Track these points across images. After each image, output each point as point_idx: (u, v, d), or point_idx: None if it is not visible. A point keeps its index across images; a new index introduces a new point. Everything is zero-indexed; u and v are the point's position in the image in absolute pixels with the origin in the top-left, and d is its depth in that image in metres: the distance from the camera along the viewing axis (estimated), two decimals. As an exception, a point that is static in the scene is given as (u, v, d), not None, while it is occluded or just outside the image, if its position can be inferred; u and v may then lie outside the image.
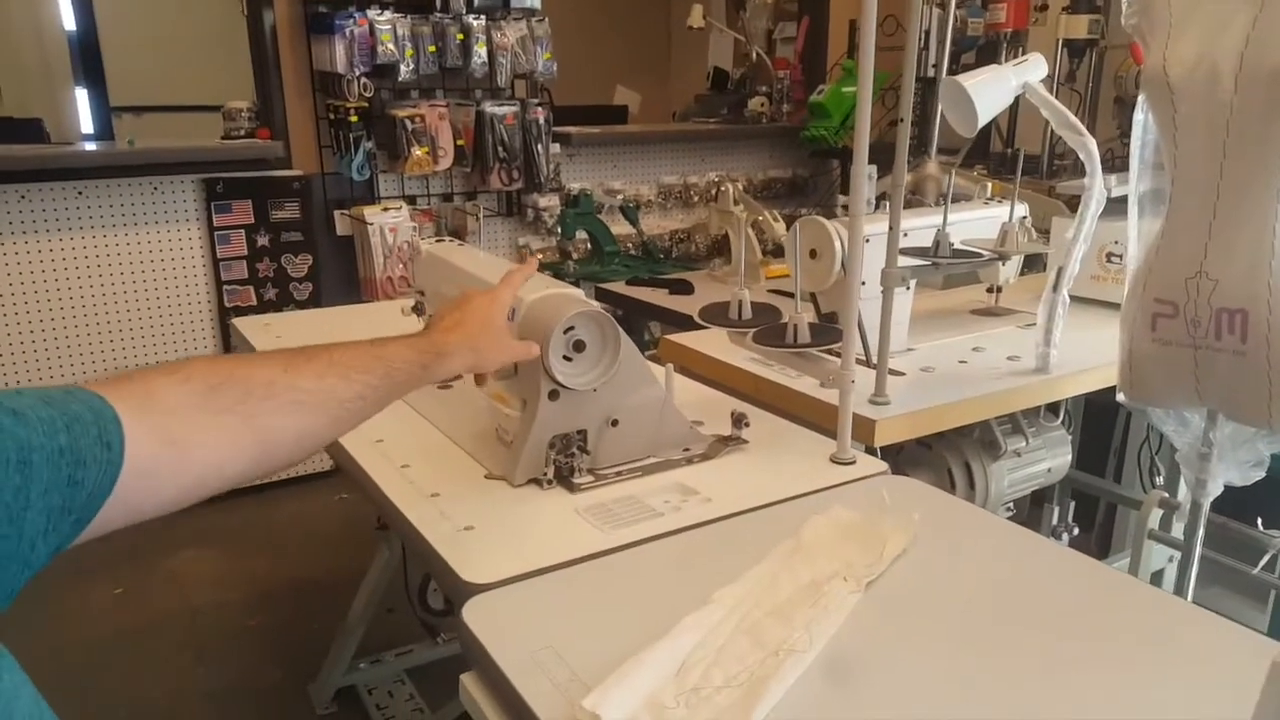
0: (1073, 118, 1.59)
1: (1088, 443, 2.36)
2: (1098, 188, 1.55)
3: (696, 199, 3.88)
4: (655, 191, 3.80)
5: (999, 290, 1.94)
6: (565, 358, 1.14)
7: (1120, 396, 1.40)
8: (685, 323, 2.02)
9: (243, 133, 3.12)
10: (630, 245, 3.50)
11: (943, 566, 1.00)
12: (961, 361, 1.66)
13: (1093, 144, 1.57)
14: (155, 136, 3.64)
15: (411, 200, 3.29)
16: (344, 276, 3.27)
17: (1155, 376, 1.34)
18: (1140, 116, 1.32)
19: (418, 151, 3.07)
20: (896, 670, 0.82)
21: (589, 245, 3.26)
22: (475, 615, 0.90)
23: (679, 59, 5.79)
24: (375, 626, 2.16)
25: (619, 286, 2.53)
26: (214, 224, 3.09)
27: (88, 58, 4.44)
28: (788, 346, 1.27)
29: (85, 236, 2.93)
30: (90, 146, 3.76)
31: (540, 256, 3.36)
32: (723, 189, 2.49)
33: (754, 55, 4.10)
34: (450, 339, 0.95)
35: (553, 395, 1.15)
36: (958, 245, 1.56)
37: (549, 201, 3.36)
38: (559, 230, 3.20)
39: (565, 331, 1.13)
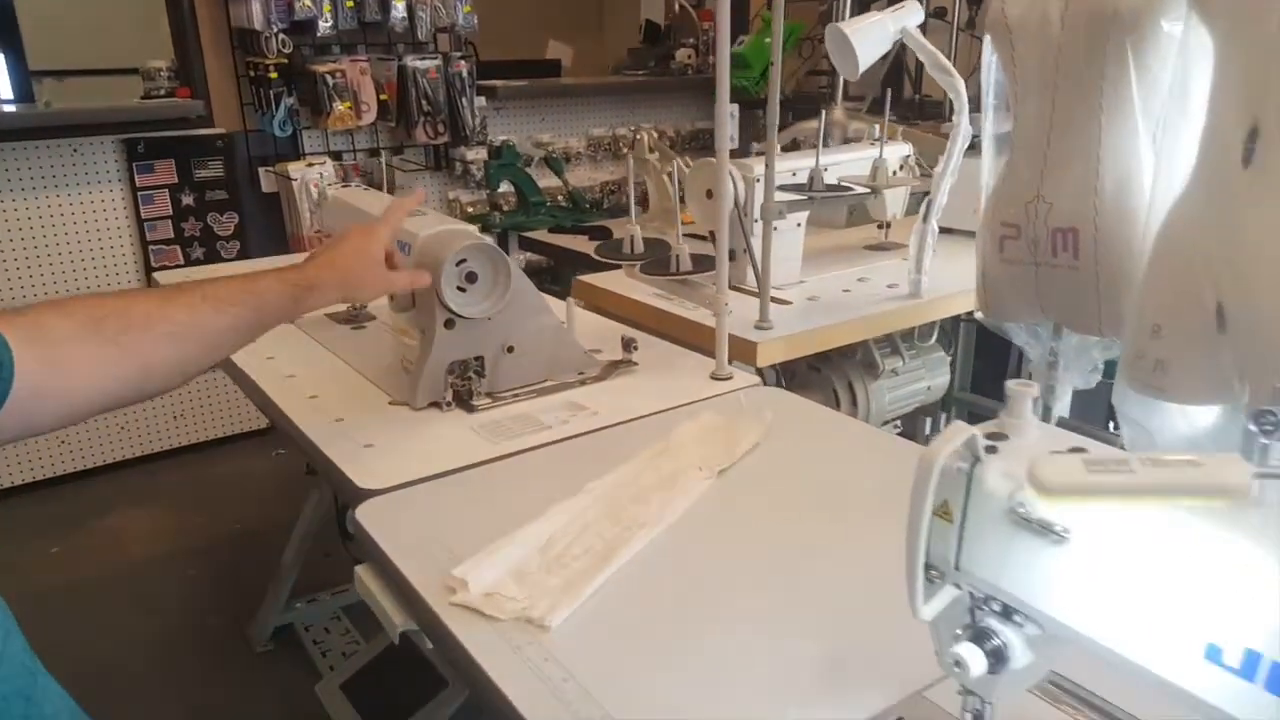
0: (944, 60, 1.70)
1: (983, 368, 2.52)
2: (964, 126, 1.67)
3: (626, 151, 3.95)
4: (584, 144, 3.86)
5: (888, 226, 2.06)
6: (459, 289, 1.23)
7: (978, 315, 1.54)
8: (605, 268, 2.12)
9: (162, 92, 3.12)
10: (561, 198, 3.57)
11: (790, 458, 1.13)
12: (845, 290, 1.79)
13: (960, 84, 1.68)
14: (76, 99, 3.61)
15: (338, 156, 3.32)
16: (272, 234, 3.30)
17: (1005, 294, 1.47)
18: (987, 58, 1.44)
19: (340, 107, 3.10)
20: (726, 538, 0.95)
21: (516, 197, 3.32)
22: (368, 514, 1.00)
23: (613, 13, 5.80)
24: (312, 570, 2.25)
25: (542, 235, 2.61)
26: (136, 184, 3.09)
27: (4, 20, 4.34)
28: (670, 274, 1.38)
29: (5, 200, 2.92)
30: (8, 109, 3.70)
31: (470, 208, 3.41)
32: (638, 138, 2.57)
33: (677, 7, 4.16)
34: (320, 273, 1.02)
35: (449, 324, 1.24)
36: (835, 181, 1.68)
37: (476, 155, 3.41)
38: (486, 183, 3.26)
39: (458, 264, 1.22)
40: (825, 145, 2.63)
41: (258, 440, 3.40)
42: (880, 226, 2.08)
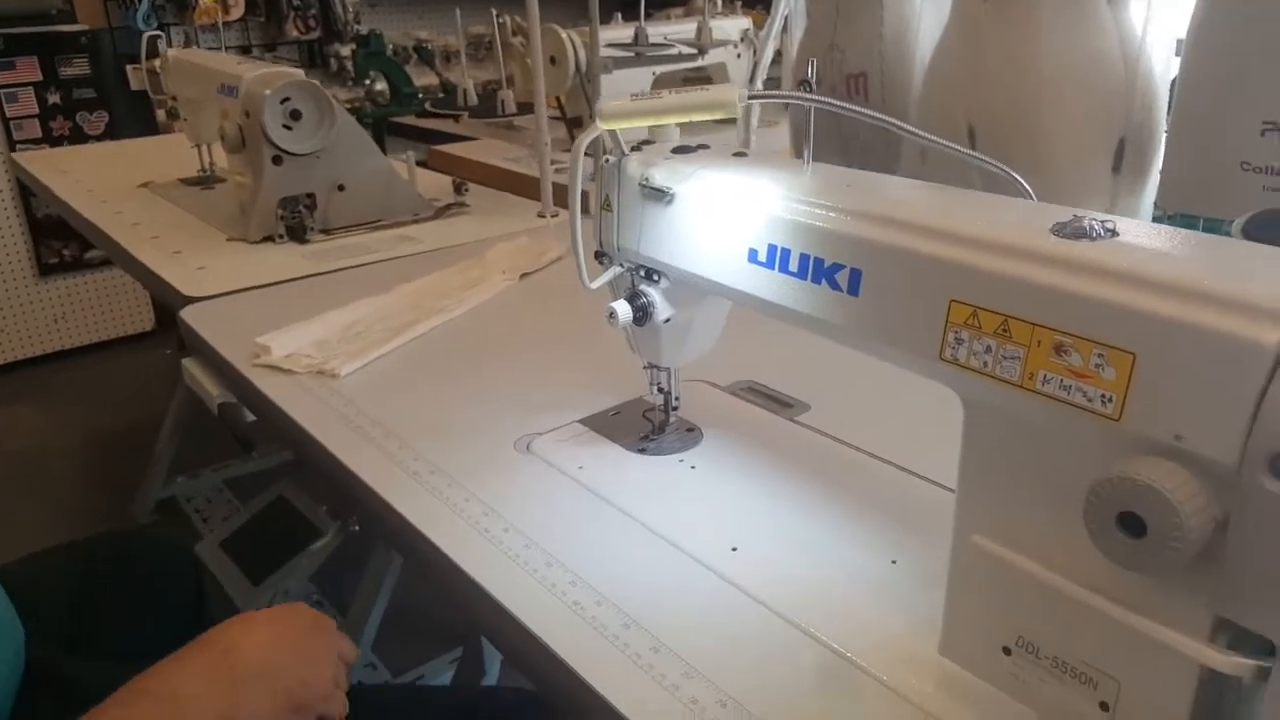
0: (767, -72, 1.81)
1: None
2: (784, -10, 1.78)
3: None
4: (465, 41, 3.86)
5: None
6: (285, 126, 1.31)
7: (791, 162, 1.68)
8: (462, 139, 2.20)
9: (17, -16, 3.02)
10: (441, 93, 3.59)
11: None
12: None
13: (781, -50, 1.79)
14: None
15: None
16: (144, 133, 3.26)
17: (813, 141, 1.61)
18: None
19: (205, 0, 3.06)
20: (508, 321, 1.07)
21: (390, 92, 3.33)
22: (193, 314, 1.10)
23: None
24: (195, 453, 2.32)
25: (410, 120, 2.66)
26: (-3, 81, 3.01)
27: None
28: (494, 118, 1.47)
29: None
30: None
31: (346, 105, 3.41)
32: (500, 21, 2.62)
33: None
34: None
35: (276, 160, 1.32)
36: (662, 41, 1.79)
37: (350, 50, 3.40)
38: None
39: (282, 102, 1.30)
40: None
41: (146, 340, 3.40)
42: (725, 99, 2.19)
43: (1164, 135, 1.28)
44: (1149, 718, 0.43)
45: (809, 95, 0.54)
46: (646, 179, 0.62)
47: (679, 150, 0.63)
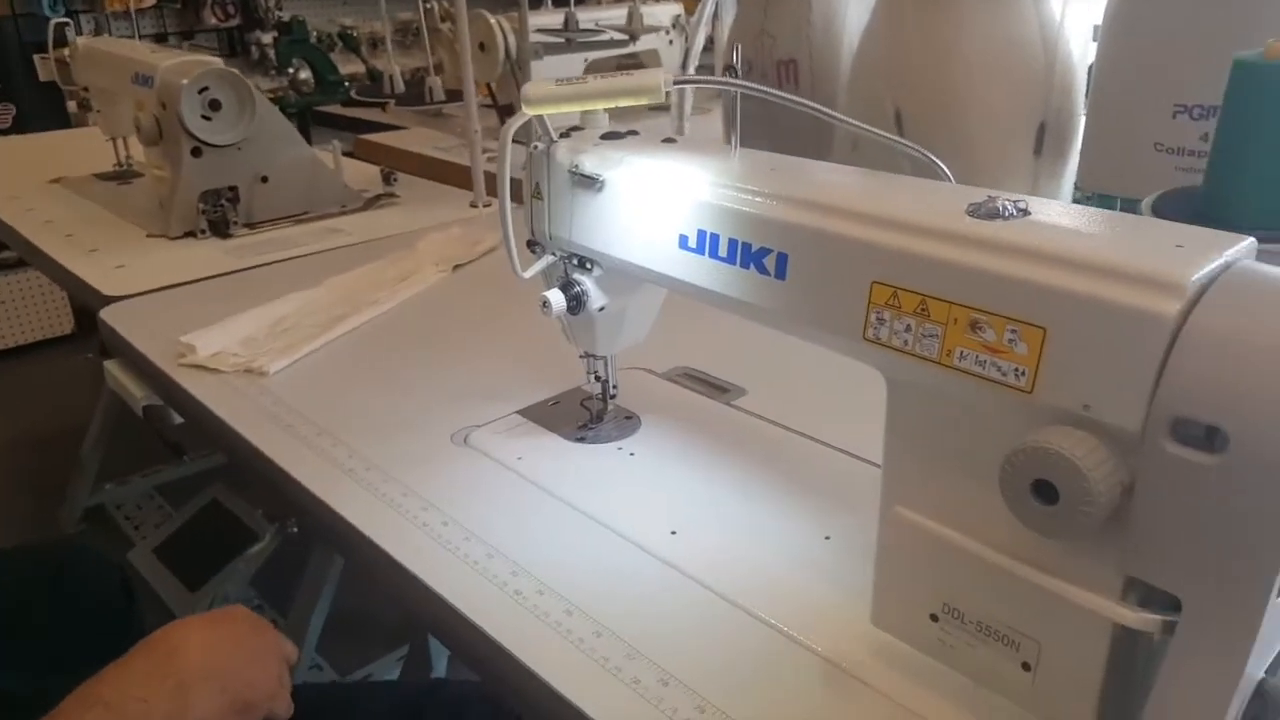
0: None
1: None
2: (711, -26, 1.79)
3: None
4: (391, 28, 3.79)
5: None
6: (204, 117, 1.28)
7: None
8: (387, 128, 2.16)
9: (-91, -29, 2.88)
10: (367, 81, 3.52)
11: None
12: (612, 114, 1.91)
13: (708, -64, 1.80)
14: None
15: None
16: (55, 126, 3.13)
17: (745, 128, 1.63)
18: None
19: (116, -14, 2.95)
20: (441, 314, 1.07)
21: (315, 80, 3.26)
22: (113, 314, 1.07)
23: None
24: (123, 459, 2.25)
25: (335, 109, 2.61)
26: (-110, 73, 2.86)
27: None
28: (422, 105, 1.46)
29: None
30: None
31: (269, 95, 3.32)
32: (428, 6, 2.58)
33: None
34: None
35: (196, 152, 1.29)
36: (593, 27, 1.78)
37: (272, 38, 3.32)
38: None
39: (200, 91, 1.26)
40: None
41: (64, 345, 3.28)
42: (656, 85, 2.20)
43: (1082, 119, 1.32)
44: (1067, 675, 0.45)
45: (734, 81, 0.55)
46: (576, 166, 0.62)
47: (608, 136, 0.63)
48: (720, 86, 0.57)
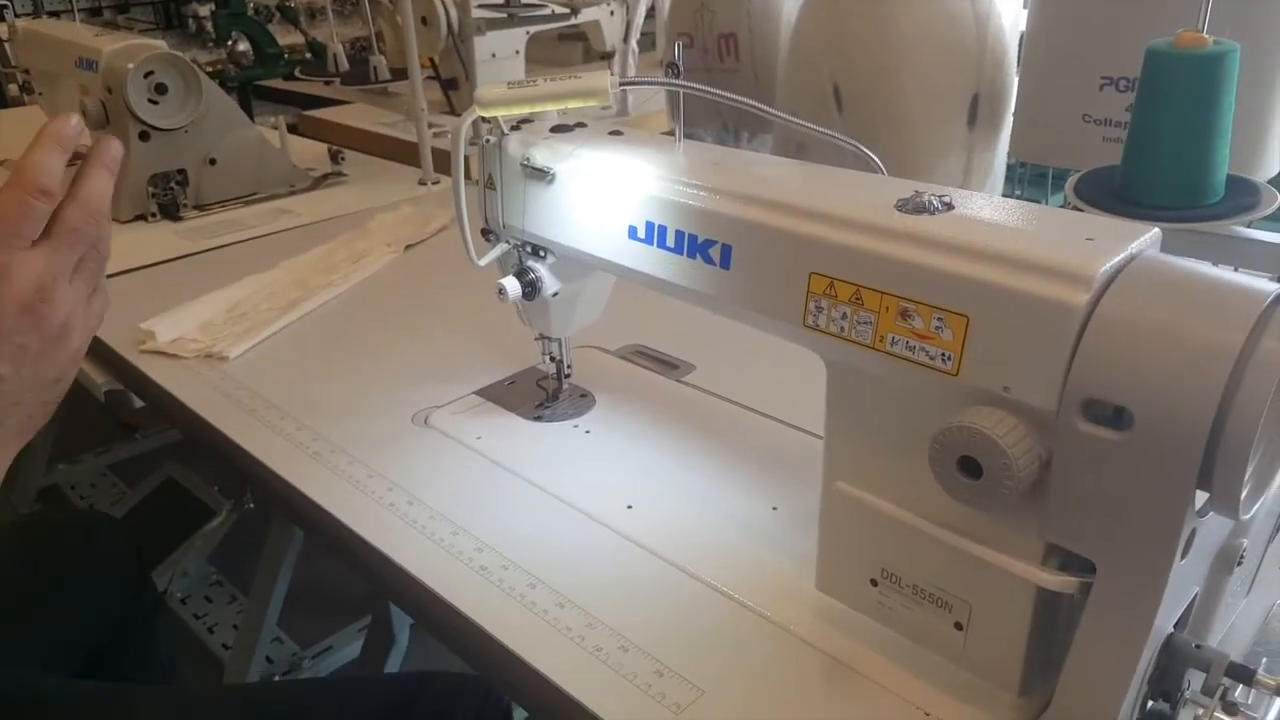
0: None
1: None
2: (656, -54, 1.80)
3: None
4: (331, -1, 3.71)
5: (611, 57, 2.19)
6: (150, 101, 1.26)
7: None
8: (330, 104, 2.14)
9: None
10: (307, 52, 3.45)
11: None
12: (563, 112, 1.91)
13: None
14: None
15: (55, 15, 3.06)
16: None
17: (689, 102, 1.64)
18: None
19: (44, -45, 2.85)
20: (395, 296, 1.08)
21: (254, 54, 3.19)
22: (64, 301, 1.06)
23: None
24: (73, 437, 2.22)
25: (276, 83, 2.56)
26: None
27: None
28: (368, 84, 1.45)
29: None
30: None
31: (208, 69, 3.25)
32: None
33: None
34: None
35: (143, 136, 1.27)
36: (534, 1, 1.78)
37: (209, 10, 3.23)
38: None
39: (145, 75, 1.25)
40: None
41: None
42: (603, 58, 2.20)
43: (1015, 90, 1.36)
44: (996, 633, 0.49)
45: (677, 81, 0.57)
46: (527, 159, 0.64)
47: (557, 129, 0.65)
48: (663, 87, 0.59)
